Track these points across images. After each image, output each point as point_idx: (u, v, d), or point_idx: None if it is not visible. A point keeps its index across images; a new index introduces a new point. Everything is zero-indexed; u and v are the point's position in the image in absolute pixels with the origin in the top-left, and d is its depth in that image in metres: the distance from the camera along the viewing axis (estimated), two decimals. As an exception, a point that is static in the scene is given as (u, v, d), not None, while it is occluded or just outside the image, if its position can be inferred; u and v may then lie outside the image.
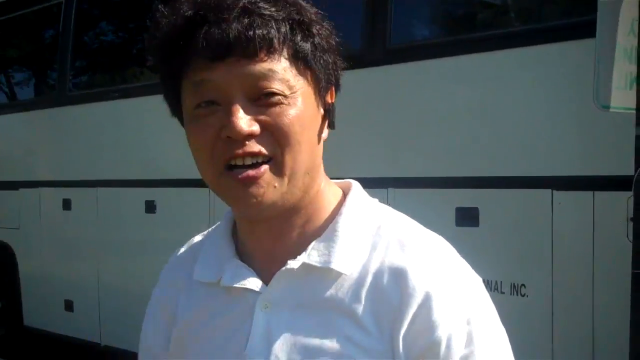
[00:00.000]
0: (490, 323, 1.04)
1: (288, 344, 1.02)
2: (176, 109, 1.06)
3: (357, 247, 1.04)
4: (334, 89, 1.08)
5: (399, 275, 1.00)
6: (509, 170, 3.64)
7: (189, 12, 0.97)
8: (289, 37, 0.97)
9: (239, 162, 0.97)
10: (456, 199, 3.80)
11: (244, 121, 0.95)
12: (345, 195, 1.11)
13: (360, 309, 1.01)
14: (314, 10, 1.03)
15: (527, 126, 3.59)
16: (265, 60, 0.95)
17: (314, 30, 1.01)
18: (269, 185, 0.98)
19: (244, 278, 1.06)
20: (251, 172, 0.97)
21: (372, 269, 1.02)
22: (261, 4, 0.96)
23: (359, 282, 1.02)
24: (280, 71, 0.96)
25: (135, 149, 5.67)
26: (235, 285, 1.06)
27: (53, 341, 6.43)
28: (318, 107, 1.04)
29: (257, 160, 0.97)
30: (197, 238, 1.24)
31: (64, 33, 6.29)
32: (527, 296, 3.47)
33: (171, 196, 5.29)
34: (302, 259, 1.03)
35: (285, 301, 1.04)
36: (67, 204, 6.27)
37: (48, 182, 6.42)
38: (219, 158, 0.98)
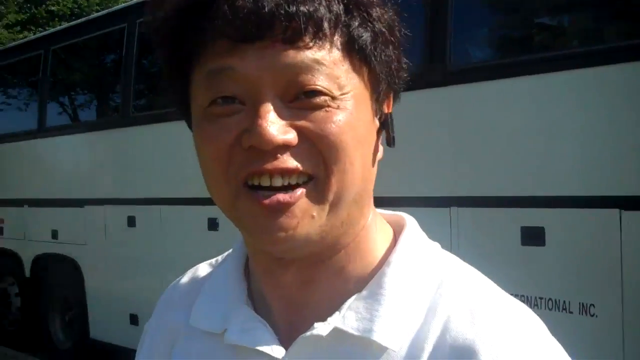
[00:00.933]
0: None
1: None
2: (185, 109, 0.82)
3: (410, 312, 0.78)
4: (392, 96, 0.84)
5: (465, 356, 0.74)
6: (575, 190, 3.64)
7: None
8: (342, 19, 0.74)
9: (265, 183, 0.73)
10: (522, 219, 3.79)
11: (276, 127, 0.71)
12: (396, 235, 0.86)
13: None
14: None
15: (593, 146, 3.59)
16: (310, 47, 0.72)
17: (375, 15, 0.77)
18: (304, 215, 0.74)
19: (257, 337, 0.81)
20: (282, 197, 0.73)
21: (428, 344, 0.76)
22: None
23: None
24: (330, 64, 0.73)
25: (198, 168, 5.65)
26: (244, 345, 0.81)
27: (118, 353, 6.53)
28: (374, 116, 0.80)
29: (289, 182, 0.73)
30: (204, 268, 0.99)
31: (126, 57, 6.47)
32: (596, 316, 3.45)
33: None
34: (334, 322, 0.78)
35: None
36: (131, 221, 6.46)
37: (113, 200, 6.60)
38: (236, 173, 0.74)
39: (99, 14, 9.03)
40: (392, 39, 0.78)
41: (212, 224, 5.45)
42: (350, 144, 0.73)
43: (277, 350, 0.80)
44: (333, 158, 0.73)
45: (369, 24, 0.75)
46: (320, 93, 0.72)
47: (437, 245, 0.87)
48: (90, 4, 21.88)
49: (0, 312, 8.33)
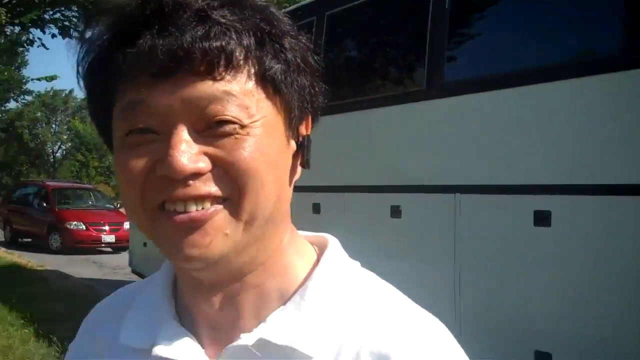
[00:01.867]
0: None
1: None
2: (108, 141, 0.81)
3: (331, 323, 0.81)
4: (310, 118, 0.86)
5: None
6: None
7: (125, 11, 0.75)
8: (254, 51, 0.75)
9: (180, 209, 0.75)
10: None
11: (187, 156, 0.72)
12: (319, 254, 0.89)
13: None
14: (287, 20, 0.82)
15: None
16: (222, 80, 0.73)
17: (287, 45, 0.79)
18: (217, 232, 0.75)
19: (184, 350, 0.83)
20: (194, 214, 0.74)
21: (348, 353, 0.79)
22: (220, 9, 0.75)
23: None
24: (240, 95, 0.74)
25: (382, 156, 6.16)
26: (171, 358, 0.82)
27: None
28: (288, 140, 0.82)
29: (203, 207, 0.75)
30: (132, 287, 1.01)
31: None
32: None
33: (416, 201, 5.73)
34: (259, 332, 0.80)
35: None
36: (316, 208, 6.42)
37: (299, 188, 5.75)
38: (151, 199, 0.76)
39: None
40: (305, 66, 0.81)
41: (395, 212, 6.16)
42: (260, 168, 0.75)
43: None
44: (244, 182, 0.75)
45: (281, 54, 0.78)
46: (229, 122, 0.73)
47: (357, 263, 0.91)
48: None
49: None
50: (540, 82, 4.59)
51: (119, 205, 24.09)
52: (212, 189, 0.75)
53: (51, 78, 16.34)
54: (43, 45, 12.80)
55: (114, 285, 10.26)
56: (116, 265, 15.52)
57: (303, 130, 0.85)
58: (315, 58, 0.84)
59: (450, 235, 5.16)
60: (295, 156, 0.84)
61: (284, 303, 0.83)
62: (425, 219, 5.54)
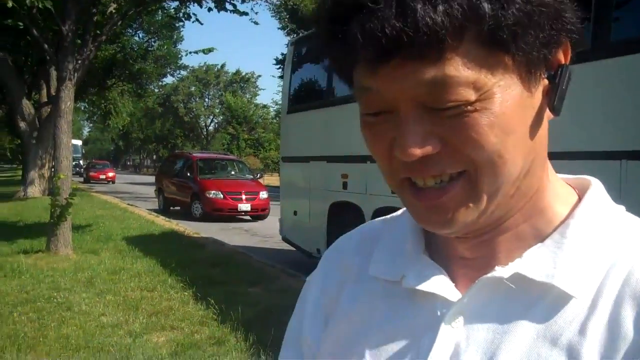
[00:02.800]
0: None
1: None
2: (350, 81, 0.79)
3: (591, 263, 0.77)
4: (569, 44, 0.75)
5: None
6: None
7: None
8: (470, 13, 0.66)
9: (420, 183, 0.75)
10: None
11: (415, 141, 0.71)
12: (580, 195, 0.85)
13: (585, 347, 0.72)
14: None
15: None
16: (435, 63, 0.67)
17: None
18: (458, 206, 0.75)
19: (435, 281, 0.83)
20: (433, 198, 0.74)
21: (610, 295, 0.74)
22: None
23: (590, 311, 0.74)
24: (461, 72, 0.68)
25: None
26: (421, 289, 0.83)
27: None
28: (531, 87, 0.73)
29: (442, 179, 0.74)
30: (376, 224, 1.01)
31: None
32: None
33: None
34: (515, 267, 0.77)
35: (484, 320, 0.79)
36: None
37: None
38: (398, 171, 0.76)
39: None
40: (543, 5, 0.69)
41: None
42: (494, 141, 0.70)
43: (453, 294, 0.81)
44: (479, 158, 0.71)
45: (499, 9, 0.66)
46: (456, 105, 0.69)
47: (622, 207, 0.84)
48: None
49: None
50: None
51: (259, 175, 25.04)
52: (446, 167, 0.73)
53: (209, 50, 16.89)
54: (198, 20, 13.16)
55: (266, 252, 10.75)
56: (267, 234, 15.99)
57: (560, 58, 0.75)
58: None
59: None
60: (545, 95, 0.76)
61: (542, 241, 0.80)
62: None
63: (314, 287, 1.00)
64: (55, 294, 7.96)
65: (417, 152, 0.71)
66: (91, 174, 49.64)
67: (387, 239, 0.93)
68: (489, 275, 0.79)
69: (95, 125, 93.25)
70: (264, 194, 20.63)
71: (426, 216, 0.77)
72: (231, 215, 20.09)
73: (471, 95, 0.69)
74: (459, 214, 0.75)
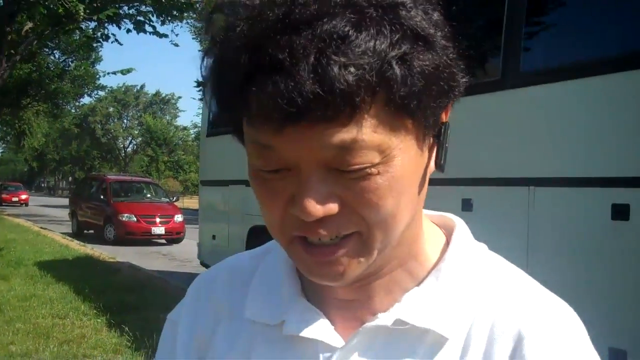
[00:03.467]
0: None
1: None
2: (234, 127, 0.77)
3: (464, 304, 0.81)
4: (450, 104, 0.78)
5: (515, 344, 0.78)
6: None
7: (242, 42, 0.68)
8: (382, 78, 0.66)
9: (315, 241, 0.74)
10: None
11: (316, 201, 0.70)
12: (447, 235, 0.88)
13: None
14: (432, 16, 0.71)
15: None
16: (345, 126, 0.67)
17: (416, 59, 0.68)
18: (350, 261, 0.75)
19: (316, 327, 0.83)
20: (326, 254, 0.74)
21: (481, 333, 0.79)
22: (345, 36, 0.65)
23: (464, 351, 0.79)
24: (368, 136, 0.68)
25: (451, 148, 6.10)
26: (303, 335, 0.82)
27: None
28: (423, 149, 0.76)
29: (336, 236, 0.73)
30: (244, 259, 0.98)
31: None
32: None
33: (488, 195, 5.46)
34: (396, 312, 0.80)
35: None
36: None
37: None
38: (290, 227, 0.75)
39: None
40: (444, 65, 0.71)
41: (466, 205, 5.87)
42: (392, 203, 0.72)
43: (336, 340, 0.82)
44: (374, 220, 0.72)
45: (412, 70, 0.67)
46: (361, 168, 0.69)
47: (484, 245, 0.89)
48: None
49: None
50: (619, 71, 4.39)
51: (175, 198, 24.78)
52: (341, 228, 0.73)
53: (127, 71, 16.71)
54: (117, 40, 13.04)
55: (184, 277, 10.59)
56: (185, 258, 15.77)
57: (444, 116, 0.78)
58: (443, 32, 0.72)
59: (523, 229, 5.01)
60: (430, 151, 0.78)
61: (418, 285, 0.83)
62: (498, 213, 5.39)
63: (183, 327, 0.95)
64: (-39, 322, 7.65)
65: (319, 212, 0.71)
66: (3, 196, 48.02)
67: (261, 278, 0.92)
68: (372, 323, 0.80)
69: (9, 146, 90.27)
70: (178, 217, 20.46)
71: (317, 270, 0.76)
72: (145, 239, 19.81)
73: (375, 158, 0.70)
74: (350, 269, 0.76)
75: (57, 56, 28.30)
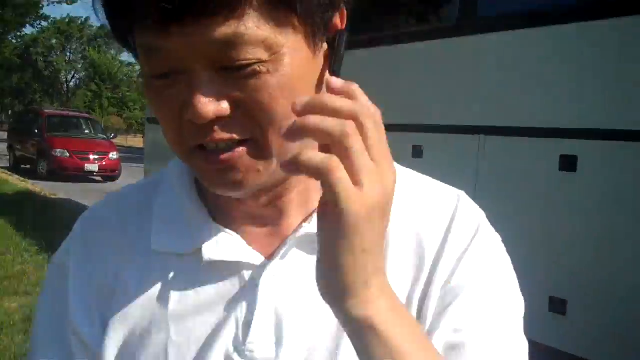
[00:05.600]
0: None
1: (304, 331, 0.80)
2: (126, 45, 0.76)
3: None
4: (344, 10, 0.78)
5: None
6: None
7: None
8: None
9: (211, 147, 0.73)
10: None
11: (206, 102, 0.69)
12: None
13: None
14: None
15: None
16: (227, 20, 0.67)
17: None
18: (248, 170, 0.74)
19: (236, 249, 0.82)
20: (224, 157, 0.73)
21: (405, 231, 0.84)
22: None
23: (392, 249, 0.83)
24: (252, 31, 0.67)
25: (402, 95, 5.87)
26: (223, 259, 0.81)
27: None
28: (315, 51, 0.75)
29: (231, 146, 0.73)
30: (132, 192, 0.95)
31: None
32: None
33: (438, 142, 5.46)
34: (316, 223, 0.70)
35: (296, 278, 0.81)
36: None
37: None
38: (188, 138, 0.74)
39: None
40: None
41: (417, 152, 5.96)
42: (284, 105, 0.70)
43: (257, 258, 0.82)
44: (268, 122, 0.71)
45: None
46: (247, 64, 0.69)
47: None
48: None
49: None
50: (570, 22, 4.40)
51: (113, 136, 24.19)
52: (236, 132, 0.73)
53: (72, 1, 16.12)
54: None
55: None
56: (129, 196, 15.54)
57: (337, 23, 0.78)
58: None
59: (472, 177, 5.06)
60: (326, 59, 0.78)
61: None
62: (448, 160, 5.42)
63: (75, 275, 0.88)
64: None
65: (210, 113, 0.70)
66: (-61, 128, 46.60)
67: (161, 209, 0.89)
68: (299, 233, 0.82)
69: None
70: (114, 155, 19.98)
71: (217, 179, 0.76)
72: (78, 175, 19.35)
73: (263, 55, 0.69)
74: (249, 177, 0.75)
75: (-3, -18, 27.23)
